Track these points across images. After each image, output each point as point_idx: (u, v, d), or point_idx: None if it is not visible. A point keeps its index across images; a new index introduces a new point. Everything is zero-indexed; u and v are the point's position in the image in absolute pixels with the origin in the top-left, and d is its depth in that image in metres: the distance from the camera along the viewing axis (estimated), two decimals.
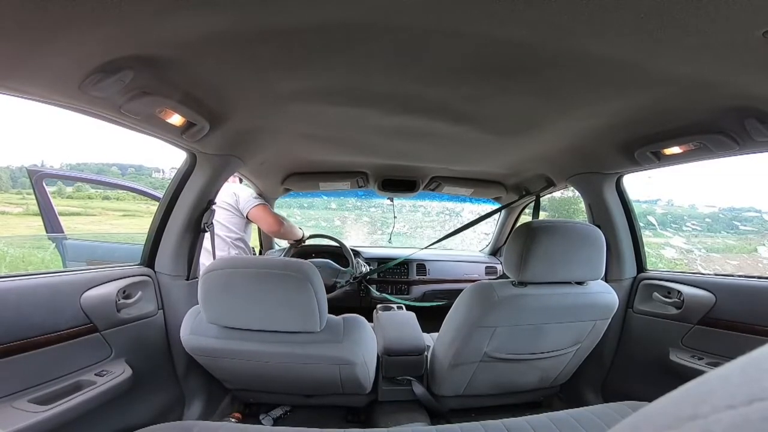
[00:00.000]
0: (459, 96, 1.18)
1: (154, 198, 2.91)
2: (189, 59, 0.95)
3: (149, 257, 1.58)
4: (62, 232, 2.78)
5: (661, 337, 1.57)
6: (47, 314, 1.16)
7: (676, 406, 0.21)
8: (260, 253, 2.77)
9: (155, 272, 1.57)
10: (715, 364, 1.36)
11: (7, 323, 1.05)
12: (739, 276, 1.49)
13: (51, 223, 2.72)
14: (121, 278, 1.42)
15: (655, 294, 1.65)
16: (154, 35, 0.82)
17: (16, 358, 1.05)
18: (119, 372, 1.30)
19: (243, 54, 0.94)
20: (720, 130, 1.15)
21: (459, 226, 2.54)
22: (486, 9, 0.72)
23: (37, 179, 2.64)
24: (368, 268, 2.66)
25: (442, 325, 1.54)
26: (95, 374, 1.25)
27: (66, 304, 1.22)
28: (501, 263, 2.91)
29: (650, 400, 0.24)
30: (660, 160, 1.41)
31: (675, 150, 1.32)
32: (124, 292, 1.40)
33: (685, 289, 1.54)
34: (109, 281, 1.37)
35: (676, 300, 1.55)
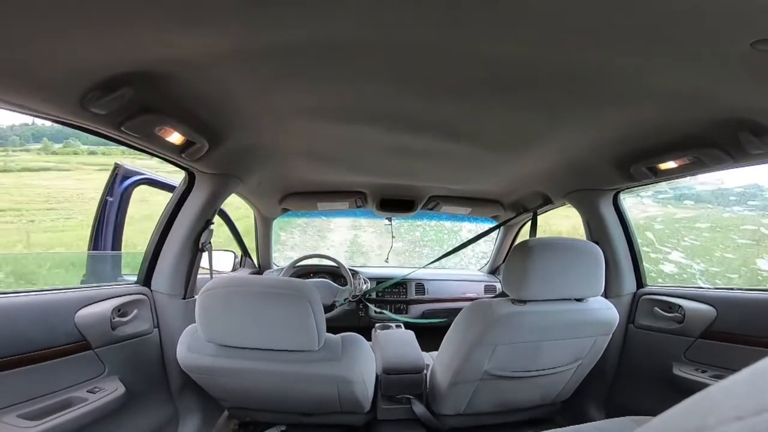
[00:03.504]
0: (457, 113, 1.20)
1: None
2: (190, 77, 0.96)
3: (146, 276, 1.57)
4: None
5: (664, 352, 1.55)
6: (40, 331, 1.15)
7: (683, 418, 0.21)
8: (259, 269, 2.78)
9: (152, 291, 1.56)
10: (719, 377, 1.34)
11: None
12: (740, 289, 1.48)
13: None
14: (116, 296, 1.41)
15: (656, 309, 1.64)
16: (155, 52, 0.83)
17: (5, 374, 1.04)
18: (112, 389, 1.28)
19: (244, 72, 0.96)
20: (714, 143, 1.16)
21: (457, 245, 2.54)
22: (483, 28, 0.74)
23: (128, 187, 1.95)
24: (367, 285, 2.64)
25: (442, 343, 1.53)
26: (87, 391, 1.23)
27: (60, 322, 1.21)
28: (500, 281, 2.89)
29: (654, 415, 0.24)
30: (656, 175, 1.42)
31: (670, 165, 1.34)
32: (119, 310, 1.39)
33: (686, 303, 1.53)
34: (104, 299, 1.36)
35: (677, 314, 1.54)
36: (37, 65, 0.78)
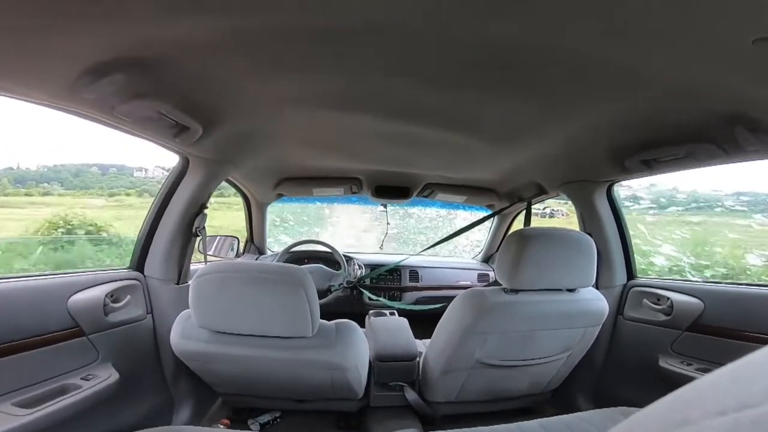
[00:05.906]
0: (453, 102, 1.19)
1: None
2: (184, 62, 0.94)
3: (139, 261, 1.56)
4: None
5: (651, 344, 1.58)
6: (33, 317, 1.14)
7: (668, 412, 0.21)
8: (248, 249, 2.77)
9: (144, 276, 1.56)
10: (704, 370, 1.37)
11: None
12: (728, 283, 1.51)
13: None
14: (109, 282, 1.40)
15: (645, 301, 1.66)
16: (149, 37, 0.81)
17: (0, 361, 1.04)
18: (106, 376, 1.28)
19: (238, 57, 0.94)
20: (709, 138, 1.16)
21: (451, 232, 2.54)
22: (481, 14, 0.73)
23: None
24: (362, 271, 2.65)
25: (435, 331, 1.54)
26: (81, 378, 1.23)
27: (52, 308, 1.21)
28: (493, 270, 2.91)
29: (641, 406, 0.24)
30: (651, 168, 1.43)
31: (665, 158, 1.34)
32: (112, 296, 1.39)
33: (674, 296, 1.55)
34: (97, 285, 1.35)
35: (665, 307, 1.57)
36: (27, 50, 0.76)
